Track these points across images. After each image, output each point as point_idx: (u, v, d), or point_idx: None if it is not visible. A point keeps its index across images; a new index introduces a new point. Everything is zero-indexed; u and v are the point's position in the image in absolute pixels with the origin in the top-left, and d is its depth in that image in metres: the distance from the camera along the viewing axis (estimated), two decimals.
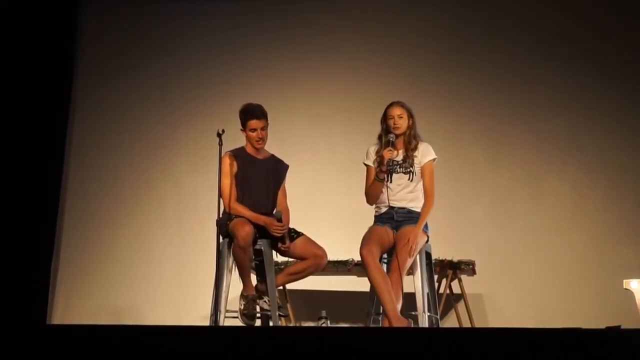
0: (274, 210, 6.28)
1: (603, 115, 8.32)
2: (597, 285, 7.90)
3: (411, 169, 6.11)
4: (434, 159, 6.16)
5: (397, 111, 6.17)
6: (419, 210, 6.10)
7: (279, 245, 6.15)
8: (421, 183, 6.15)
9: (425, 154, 6.15)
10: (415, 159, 6.13)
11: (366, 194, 6.22)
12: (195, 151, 8.21)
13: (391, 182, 6.12)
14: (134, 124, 8.49)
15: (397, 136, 6.15)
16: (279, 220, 6.10)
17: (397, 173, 6.14)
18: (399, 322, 5.73)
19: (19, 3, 8.22)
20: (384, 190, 6.09)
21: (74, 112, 8.52)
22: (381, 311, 5.96)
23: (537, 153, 8.30)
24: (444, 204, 6.36)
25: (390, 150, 6.07)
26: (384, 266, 6.05)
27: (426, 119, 6.45)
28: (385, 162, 6.05)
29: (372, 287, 5.97)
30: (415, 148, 6.14)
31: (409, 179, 6.13)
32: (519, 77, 8.42)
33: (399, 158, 6.15)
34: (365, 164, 6.24)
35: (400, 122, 6.15)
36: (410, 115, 6.19)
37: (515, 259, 8.07)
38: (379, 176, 6.09)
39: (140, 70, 8.58)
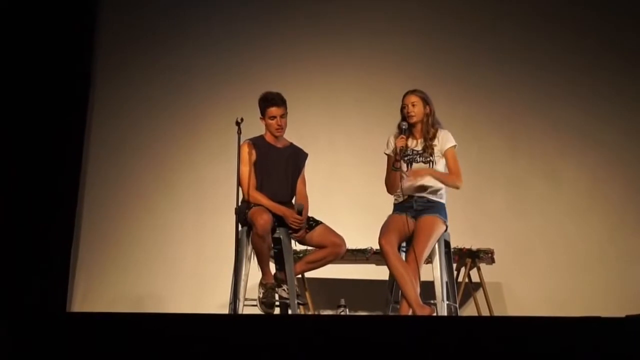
0: (293, 199, 6.29)
1: (621, 105, 8.29)
2: (616, 273, 7.89)
3: (431, 158, 6.08)
4: (454, 146, 6.14)
5: (411, 99, 6.15)
6: (438, 199, 6.09)
7: (292, 233, 6.15)
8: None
9: (445, 141, 6.12)
10: (435, 147, 6.10)
11: (385, 183, 6.21)
12: (214, 140, 8.21)
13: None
14: (153, 112, 8.50)
15: (411, 124, 6.13)
16: (299, 213, 6.10)
17: (417, 163, 6.11)
18: (422, 309, 5.72)
19: None
20: (402, 179, 6.08)
21: (93, 102, 8.53)
22: (400, 299, 5.95)
23: (555, 142, 8.28)
24: (462, 193, 6.34)
25: (403, 138, 6.06)
26: (402, 255, 6.04)
27: (443, 108, 6.43)
28: (398, 150, 6.04)
29: (391, 275, 5.97)
30: (434, 137, 6.11)
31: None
32: (537, 66, 8.38)
33: (419, 147, 6.13)
34: (385, 154, 6.23)
35: (415, 110, 6.13)
36: (427, 103, 6.16)
37: (534, 248, 8.05)
38: (394, 165, 6.07)
39: (158, 59, 8.58)
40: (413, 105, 6.13)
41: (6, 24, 8.05)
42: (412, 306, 5.74)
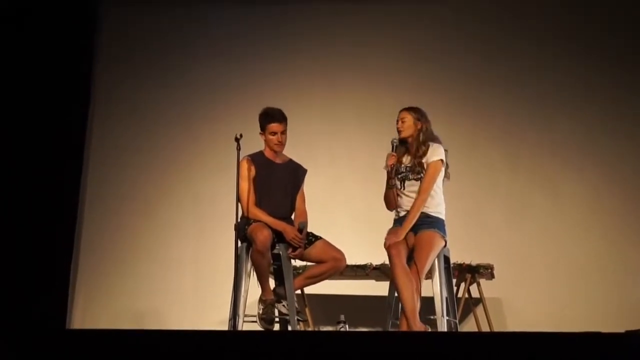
0: (292, 215, 6.29)
1: (620, 117, 8.27)
2: (616, 288, 7.87)
3: (421, 175, 6.05)
4: (440, 160, 6.11)
5: (401, 115, 6.20)
6: (436, 214, 6.06)
7: (289, 251, 6.15)
8: (437, 186, 6.12)
9: (432, 154, 6.09)
10: (425, 163, 6.09)
11: (384, 200, 6.22)
12: (214, 155, 8.22)
13: (404, 189, 6.11)
14: (153, 127, 8.53)
15: (401, 140, 6.15)
16: (300, 231, 6.09)
17: (410, 180, 6.10)
18: (417, 325, 5.71)
19: (39, 3, 8.27)
20: (397, 195, 6.09)
21: (93, 115, 8.57)
22: (400, 316, 5.93)
23: (554, 156, 8.27)
24: (461, 208, 6.35)
25: (393, 155, 6.10)
26: None
27: (443, 123, 6.43)
28: (390, 167, 6.06)
29: (393, 287, 5.94)
30: (424, 154, 6.10)
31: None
32: (536, 79, 8.38)
33: (411, 164, 6.13)
34: (385, 170, 6.23)
35: (403, 126, 6.15)
36: (418, 120, 6.16)
37: (534, 263, 8.03)
38: (388, 183, 6.10)
39: (158, 73, 8.61)
40: (402, 121, 6.16)
41: (8, 28, 8.07)
42: (408, 318, 5.71)
